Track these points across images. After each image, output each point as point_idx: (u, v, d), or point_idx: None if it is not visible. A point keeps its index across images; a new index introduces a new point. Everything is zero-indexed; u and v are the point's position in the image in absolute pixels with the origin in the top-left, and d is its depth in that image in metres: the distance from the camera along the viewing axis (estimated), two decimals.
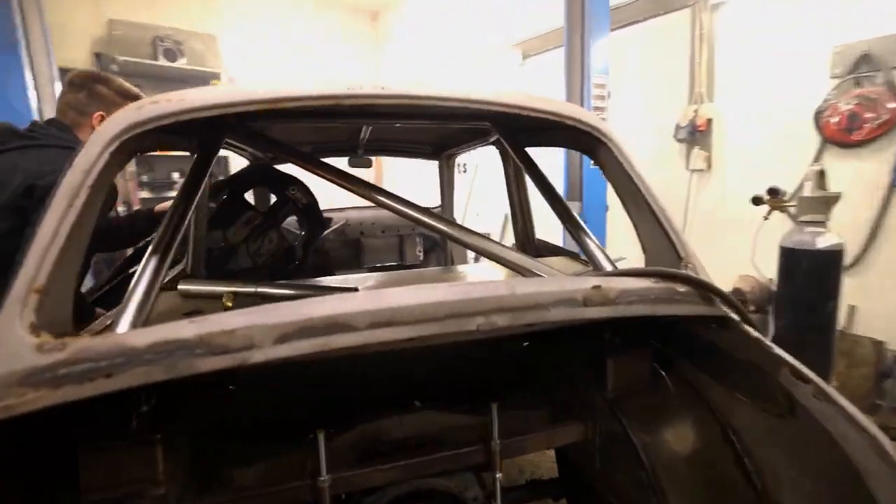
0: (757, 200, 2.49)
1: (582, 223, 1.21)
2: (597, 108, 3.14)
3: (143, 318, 0.83)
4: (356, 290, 1.29)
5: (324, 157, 2.66)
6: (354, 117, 1.46)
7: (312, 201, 1.98)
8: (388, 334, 0.68)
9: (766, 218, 2.54)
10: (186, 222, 1.07)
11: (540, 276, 1.05)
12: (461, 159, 5.68)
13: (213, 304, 1.23)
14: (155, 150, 1.61)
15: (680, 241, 1.00)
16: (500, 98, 1.01)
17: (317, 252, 2.28)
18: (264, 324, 0.66)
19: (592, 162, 1.21)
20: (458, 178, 5.56)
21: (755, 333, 0.87)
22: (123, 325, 0.80)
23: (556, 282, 0.85)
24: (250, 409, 1.19)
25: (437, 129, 2.15)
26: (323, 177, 1.22)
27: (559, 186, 3.42)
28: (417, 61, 6.27)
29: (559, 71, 3.39)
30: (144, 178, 5.22)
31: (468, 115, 1.42)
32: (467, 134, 2.08)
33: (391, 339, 0.68)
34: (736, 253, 2.80)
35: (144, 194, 5.09)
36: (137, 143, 0.98)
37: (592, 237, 1.17)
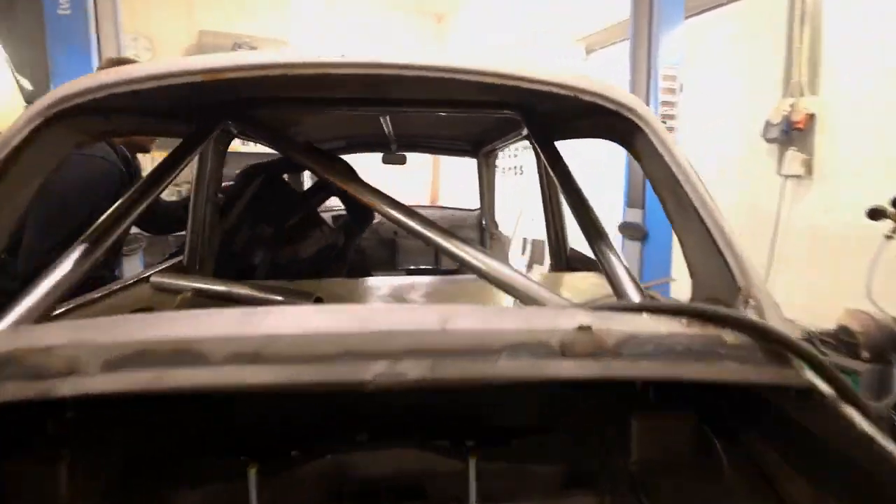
0: (877, 213, 1.93)
1: (607, 235, 0.94)
2: (665, 103, 2.75)
3: (36, 315, 0.72)
4: (316, 298, 1.12)
5: (357, 152, 2.60)
6: (352, 104, 1.30)
7: None
8: (248, 375, 0.48)
9: (889, 236, 1.97)
10: (137, 214, 0.96)
11: (540, 302, 0.79)
12: (516, 162, 5.47)
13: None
14: (142, 133, 1.55)
15: (739, 263, 0.69)
16: (482, 66, 0.76)
17: (355, 250, 2.16)
18: (93, 342, 0.51)
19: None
20: (514, 181, 5.34)
21: (865, 425, 0.52)
22: (6, 321, 0.70)
23: (522, 314, 0.58)
24: (217, 421, 1.07)
25: (464, 123, 1.95)
26: (318, 173, 1.09)
27: (620, 190, 3.08)
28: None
29: (626, 65, 3.06)
30: None
31: (468, 100, 1.21)
32: (499, 126, 1.85)
33: (250, 382, 0.47)
34: (844, 281, 2.23)
35: None
36: (85, 122, 0.89)
37: (618, 253, 0.89)
